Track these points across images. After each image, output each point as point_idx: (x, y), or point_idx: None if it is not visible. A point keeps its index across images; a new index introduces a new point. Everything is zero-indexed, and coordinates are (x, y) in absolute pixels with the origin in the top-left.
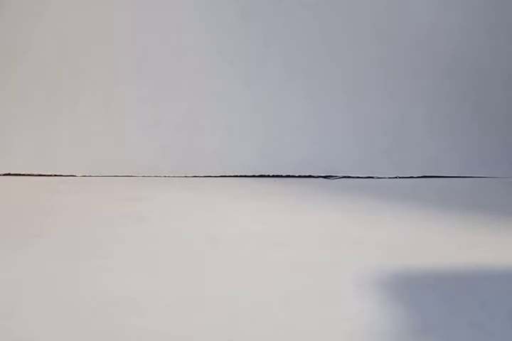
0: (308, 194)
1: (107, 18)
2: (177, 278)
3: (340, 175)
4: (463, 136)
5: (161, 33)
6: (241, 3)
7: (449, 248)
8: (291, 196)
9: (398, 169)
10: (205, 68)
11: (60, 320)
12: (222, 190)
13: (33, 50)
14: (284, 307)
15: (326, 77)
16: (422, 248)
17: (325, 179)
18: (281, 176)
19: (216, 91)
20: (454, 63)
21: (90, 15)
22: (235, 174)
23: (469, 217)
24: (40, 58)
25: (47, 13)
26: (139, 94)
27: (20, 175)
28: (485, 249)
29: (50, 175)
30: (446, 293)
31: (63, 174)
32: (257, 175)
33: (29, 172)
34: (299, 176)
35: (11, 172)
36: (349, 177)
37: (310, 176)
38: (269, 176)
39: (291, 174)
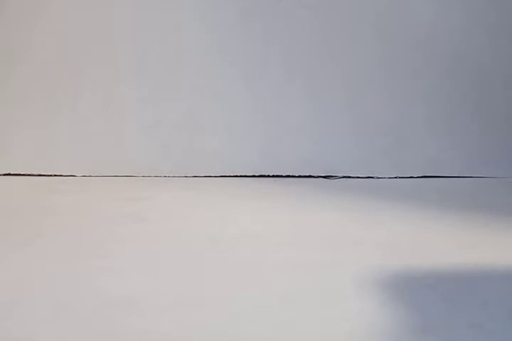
0: (308, 194)
1: (107, 18)
2: (177, 278)
3: (340, 175)
4: (463, 136)
5: (161, 33)
6: (241, 3)
7: (449, 248)
8: (291, 196)
9: (398, 169)
10: (205, 68)
11: (60, 320)
12: (222, 190)
13: (33, 50)
14: (284, 307)
15: (326, 77)
16: (422, 248)
17: (325, 179)
18: (281, 176)
19: (216, 91)
20: (454, 63)
21: (90, 15)
22: (235, 174)
23: (469, 217)
24: (40, 58)
25: (47, 13)
26: (139, 94)
27: (20, 175)
28: (485, 249)
29: (50, 175)
30: (446, 293)
31: (63, 174)
32: (257, 175)
33: (29, 172)
34: (299, 176)
35: (11, 172)
36: (349, 177)
37: (310, 176)
38: (269, 176)
39: (291, 174)
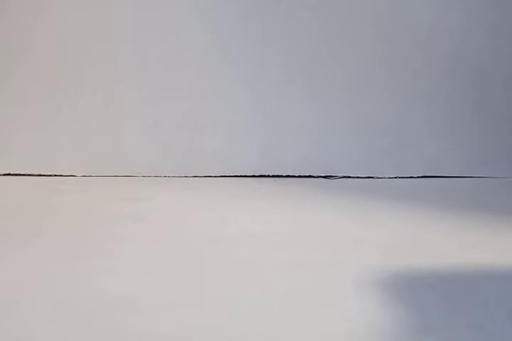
0: (308, 194)
1: (107, 18)
2: (177, 278)
3: (340, 175)
4: (463, 136)
5: (161, 33)
6: (241, 3)
7: (449, 248)
8: (291, 196)
9: (398, 169)
10: (205, 68)
11: (60, 320)
12: (222, 190)
13: (33, 50)
14: (284, 307)
15: (326, 77)
16: (422, 248)
17: (325, 179)
18: (281, 176)
19: (216, 91)
20: (454, 63)
21: (90, 15)
22: (235, 174)
23: (469, 217)
24: (40, 58)
25: (47, 13)
26: (139, 94)
27: (20, 175)
28: (485, 249)
29: (50, 175)
30: (446, 293)
31: (63, 174)
32: (257, 175)
33: (29, 172)
34: (299, 176)
35: (11, 172)
36: (349, 177)
37: (310, 176)
38: (269, 176)
39: (291, 174)
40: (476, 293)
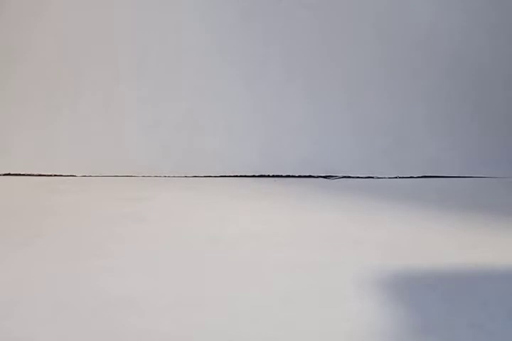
0: (308, 194)
1: (107, 18)
2: (177, 278)
3: (340, 175)
4: (463, 136)
5: (161, 33)
6: (241, 3)
7: (449, 248)
8: (291, 196)
9: (398, 169)
10: (205, 68)
11: (60, 320)
12: (222, 190)
13: (33, 50)
14: (284, 307)
15: (326, 77)
16: (422, 248)
17: (325, 179)
18: (281, 176)
19: (216, 91)
20: (454, 63)
21: (90, 15)
22: (235, 174)
23: (469, 217)
24: (40, 58)
25: (47, 13)
26: (139, 94)
27: (20, 175)
28: (485, 249)
29: (50, 175)
30: (446, 293)
31: (63, 174)
32: (257, 175)
33: (29, 172)
34: (299, 176)
35: (11, 172)
36: (349, 177)
37: (310, 176)
38: (269, 176)
39: (291, 174)
40: (476, 293)
